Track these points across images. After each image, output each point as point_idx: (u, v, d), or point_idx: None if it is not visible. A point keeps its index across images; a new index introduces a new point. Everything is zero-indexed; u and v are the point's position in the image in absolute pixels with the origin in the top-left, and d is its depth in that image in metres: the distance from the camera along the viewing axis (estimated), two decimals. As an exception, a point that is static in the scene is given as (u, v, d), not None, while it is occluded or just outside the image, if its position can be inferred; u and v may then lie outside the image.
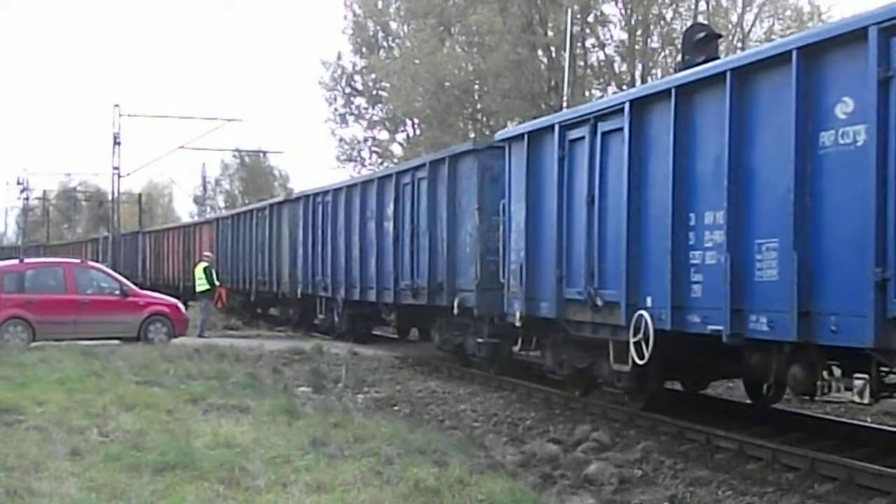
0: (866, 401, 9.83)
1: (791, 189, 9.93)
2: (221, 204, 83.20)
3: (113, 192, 49.96)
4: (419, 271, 20.81)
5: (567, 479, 10.58)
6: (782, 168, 10.10)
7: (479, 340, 18.83)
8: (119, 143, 47.23)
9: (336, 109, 53.84)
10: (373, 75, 50.97)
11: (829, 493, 9.81)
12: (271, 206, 33.51)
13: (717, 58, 12.83)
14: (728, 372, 13.74)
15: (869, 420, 13.70)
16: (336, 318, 26.93)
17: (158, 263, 48.91)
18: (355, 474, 9.13)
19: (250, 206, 39.29)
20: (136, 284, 26.72)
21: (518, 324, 15.70)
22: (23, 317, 22.56)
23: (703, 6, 39.25)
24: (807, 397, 11.15)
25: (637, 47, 39.39)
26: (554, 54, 39.45)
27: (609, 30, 40.70)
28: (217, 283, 31.01)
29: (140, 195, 73.39)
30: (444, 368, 20.24)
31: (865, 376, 9.70)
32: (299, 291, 29.46)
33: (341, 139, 53.91)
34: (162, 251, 48.01)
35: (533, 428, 13.94)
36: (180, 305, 25.04)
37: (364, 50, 52.62)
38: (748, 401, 14.09)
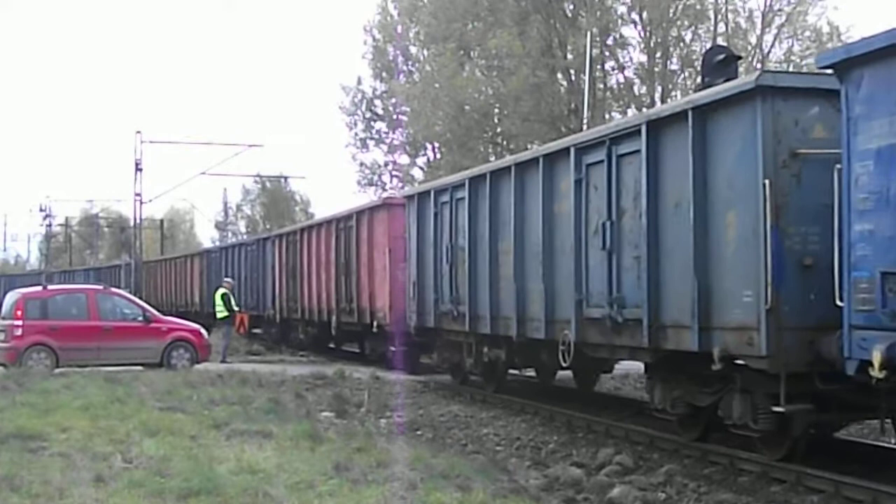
0: None
1: None
2: (243, 229, 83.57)
3: (135, 219, 50.13)
4: None
5: (591, 503, 10.55)
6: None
7: None
8: (141, 170, 47.42)
9: (356, 134, 54.28)
10: (393, 100, 51.29)
11: (854, 516, 9.76)
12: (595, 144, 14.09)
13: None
14: None
15: (894, 442, 13.56)
16: None
17: (294, 285, 32.55)
18: (379, 499, 9.13)
19: (515, 158, 17.80)
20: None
21: None
22: (46, 343, 22.65)
23: (722, 28, 39.41)
24: None
25: (657, 69, 39.53)
26: (573, 77, 39.65)
27: (628, 52, 40.99)
28: (236, 308, 30.94)
29: (162, 221, 73.83)
30: (466, 392, 20.18)
31: None
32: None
33: (362, 164, 54.31)
34: (299, 264, 32.12)
35: (556, 451, 13.90)
36: (203, 331, 25.09)
37: (384, 74, 52.98)
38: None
